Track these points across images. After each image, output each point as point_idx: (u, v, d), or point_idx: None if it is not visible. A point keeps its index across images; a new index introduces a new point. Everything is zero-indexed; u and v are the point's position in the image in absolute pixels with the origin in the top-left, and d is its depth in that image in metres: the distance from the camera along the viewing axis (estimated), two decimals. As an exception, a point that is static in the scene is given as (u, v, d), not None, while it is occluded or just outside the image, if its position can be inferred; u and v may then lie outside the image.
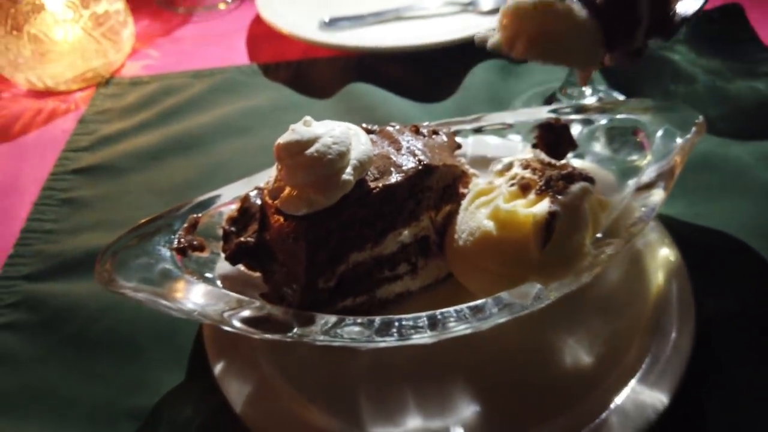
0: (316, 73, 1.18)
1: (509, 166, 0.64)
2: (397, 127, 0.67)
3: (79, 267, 0.83)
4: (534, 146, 0.75)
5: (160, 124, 1.08)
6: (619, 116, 0.74)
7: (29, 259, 0.85)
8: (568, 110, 0.78)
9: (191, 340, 0.72)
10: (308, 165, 0.56)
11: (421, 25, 1.24)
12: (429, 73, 1.13)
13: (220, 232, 0.67)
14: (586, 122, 0.76)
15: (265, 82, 1.17)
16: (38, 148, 1.08)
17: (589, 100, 0.96)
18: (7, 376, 0.71)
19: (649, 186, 0.65)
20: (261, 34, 1.33)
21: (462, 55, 1.12)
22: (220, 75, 1.19)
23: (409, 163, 0.62)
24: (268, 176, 0.71)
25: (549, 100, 1.01)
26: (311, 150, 0.56)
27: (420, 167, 0.62)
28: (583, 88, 0.95)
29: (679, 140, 0.68)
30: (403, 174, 0.61)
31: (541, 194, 0.60)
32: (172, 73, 1.22)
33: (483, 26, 1.12)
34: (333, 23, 1.24)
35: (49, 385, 0.70)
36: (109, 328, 0.75)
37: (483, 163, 0.79)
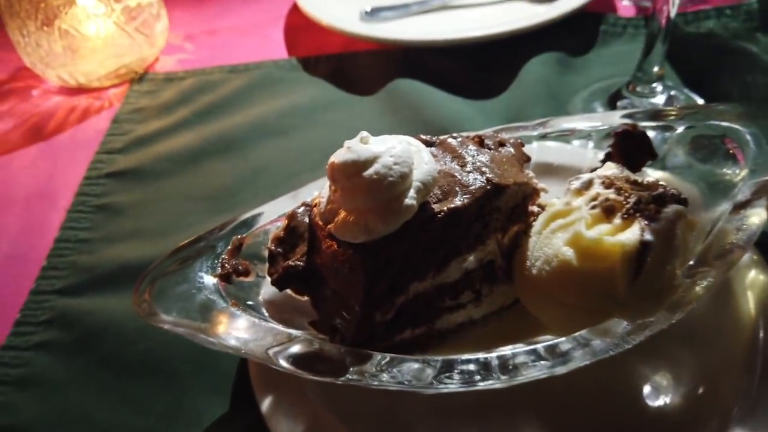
0: (358, 67, 1.12)
1: (588, 184, 0.57)
2: (459, 138, 0.60)
3: (115, 281, 0.79)
4: (608, 155, 0.67)
5: (195, 123, 1.04)
6: (704, 122, 0.66)
7: (63, 272, 0.81)
8: (641, 115, 0.71)
9: (234, 364, 0.67)
10: (367, 188, 0.50)
11: (469, 15, 1.16)
12: (479, 68, 1.06)
13: (266, 252, 0.61)
14: (665, 129, 0.68)
15: (304, 77, 1.11)
16: (72, 148, 1.04)
17: (660, 98, 0.88)
18: (40, 400, 0.68)
19: (745, 205, 0.58)
20: (298, 25, 1.26)
21: (515, 47, 1.05)
22: (257, 70, 1.14)
23: (475, 182, 0.55)
24: (314, 191, 0.66)
25: (614, 97, 0.92)
26: (370, 171, 0.50)
27: (488, 187, 0.55)
28: (654, 85, 0.87)
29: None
30: (469, 195, 0.54)
31: (628, 219, 0.53)
32: (208, 68, 1.17)
33: (537, 15, 1.07)
34: (374, 13, 1.17)
35: (84, 410, 0.66)
36: (147, 350, 0.70)
37: (547, 170, 0.72)
